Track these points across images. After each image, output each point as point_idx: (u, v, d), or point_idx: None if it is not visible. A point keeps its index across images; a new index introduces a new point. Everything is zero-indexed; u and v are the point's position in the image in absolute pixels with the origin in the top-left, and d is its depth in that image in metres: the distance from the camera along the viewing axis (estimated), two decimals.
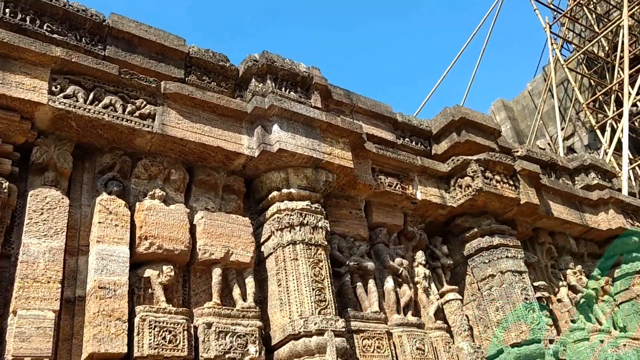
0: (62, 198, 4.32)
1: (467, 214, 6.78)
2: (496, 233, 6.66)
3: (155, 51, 5.34)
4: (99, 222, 4.34)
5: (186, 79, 5.40)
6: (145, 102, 4.89)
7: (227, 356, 4.31)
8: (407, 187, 6.39)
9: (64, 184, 4.48)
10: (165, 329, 4.12)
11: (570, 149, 17.35)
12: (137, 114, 4.79)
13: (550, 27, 16.77)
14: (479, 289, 6.49)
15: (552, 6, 17.26)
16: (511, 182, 6.88)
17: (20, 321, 3.70)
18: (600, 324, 7.31)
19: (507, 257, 6.49)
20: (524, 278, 6.45)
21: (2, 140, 4.21)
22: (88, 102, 4.59)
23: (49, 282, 3.94)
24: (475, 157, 6.69)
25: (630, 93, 12.79)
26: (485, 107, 21.90)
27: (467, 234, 6.71)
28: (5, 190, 4.08)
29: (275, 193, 5.34)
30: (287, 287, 4.87)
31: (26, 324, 3.70)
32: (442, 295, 6.36)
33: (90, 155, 4.80)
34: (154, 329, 4.07)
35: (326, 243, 5.25)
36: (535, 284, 6.86)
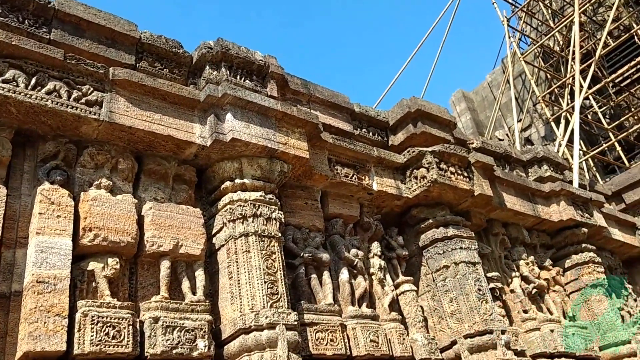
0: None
1: (422, 205, 6.79)
2: (451, 224, 6.69)
3: (104, 36, 5.10)
4: (40, 213, 4.13)
5: (137, 65, 5.19)
6: (92, 89, 4.67)
7: (174, 351, 4.17)
8: (363, 177, 6.35)
9: (2, 172, 4.25)
10: (108, 324, 3.95)
11: (528, 140, 17.72)
12: (83, 100, 4.57)
13: (508, 21, 16.98)
14: (433, 280, 6.52)
15: (510, 0, 17.48)
16: (465, 174, 6.91)
17: None
18: (551, 313, 7.45)
19: (461, 248, 6.53)
20: (477, 269, 6.50)
21: None
22: (30, 87, 4.34)
23: None
24: (430, 149, 6.69)
25: (582, 87, 13.05)
26: (445, 98, 22.16)
27: (422, 225, 6.72)
28: None
29: (228, 183, 5.21)
30: (239, 280, 4.76)
31: None
32: (397, 286, 6.36)
33: (32, 143, 4.56)
34: (96, 324, 3.90)
35: (280, 235, 5.15)
36: (489, 274, 6.93)
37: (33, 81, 4.38)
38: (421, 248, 6.71)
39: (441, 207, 6.81)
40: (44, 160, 4.49)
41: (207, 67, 5.53)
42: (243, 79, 5.68)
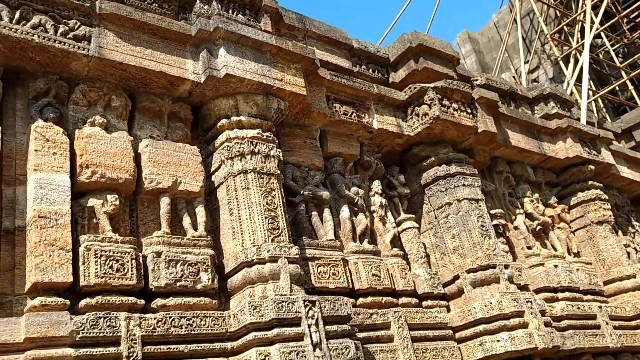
0: None
1: (425, 142, 6.96)
2: (453, 162, 6.88)
3: None
4: (36, 150, 4.31)
5: None
6: (79, 23, 4.76)
7: (178, 284, 4.44)
8: (363, 115, 6.50)
9: None
10: (112, 258, 4.19)
11: (535, 82, 17.74)
12: (70, 35, 4.67)
13: None
14: (435, 217, 6.76)
15: None
16: (469, 111, 7.06)
17: None
18: (556, 250, 7.75)
19: (463, 185, 6.74)
20: (480, 206, 6.73)
21: None
22: (14, 21, 4.43)
23: None
24: (432, 85, 6.82)
25: (593, 23, 13.04)
26: (450, 40, 21.98)
27: (424, 163, 6.92)
28: None
29: (224, 121, 5.37)
30: (239, 216, 4.99)
31: None
32: (398, 223, 6.61)
33: (22, 81, 4.69)
34: (100, 258, 4.14)
35: (279, 172, 5.35)
36: (492, 212, 7.17)
37: (17, 15, 4.45)
38: (423, 186, 6.93)
39: (444, 145, 6.99)
40: (36, 97, 4.64)
41: (198, 1, 5.60)
42: (235, 13, 5.76)
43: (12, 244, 4.12)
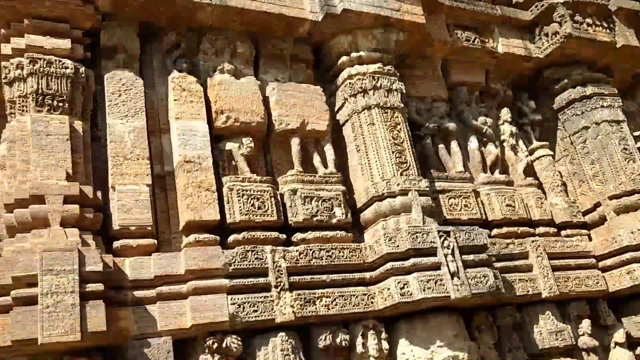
0: (136, 79, 4.70)
1: (556, 64, 6.65)
2: (589, 82, 6.55)
3: None
4: (175, 100, 4.71)
5: None
6: None
7: (314, 219, 4.72)
8: (487, 40, 6.32)
9: (135, 65, 4.83)
10: (253, 197, 4.54)
11: None
12: None
13: None
14: (571, 143, 6.52)
15: None
16: (605, 25, 6.62)
17: (120, 195, 4.23)
18: None
19: (602, 107, 6.41)
20: (622, 128, 6.38)
21: (70, 27, 4.55)
22: None
23: (138, 159, 4.42)
24: (562, 0, 6.43)
25: None
26: None
27: (557, 86, 6.64)
28: (83, 76, 4.48)
29: (344, 58, 5.47)
30: (367, 152, 5.14)
31: (125, 198, 4.23)
32: (531, 152, 6.46)
33: (155, 36, 5.08)
34: (242, 197, 4.50)
35: (402, 106, 5.40)
36: (636, 133, 6.76)
37: None
38: (556, 111, 6.67)
39: (577, 65, 6.64)
40: (169, 50, 5.03)
41: None
42: None
43: (164, 188, 4.60)
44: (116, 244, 4.18)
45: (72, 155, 4.21)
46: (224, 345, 4.06)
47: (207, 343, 4.04)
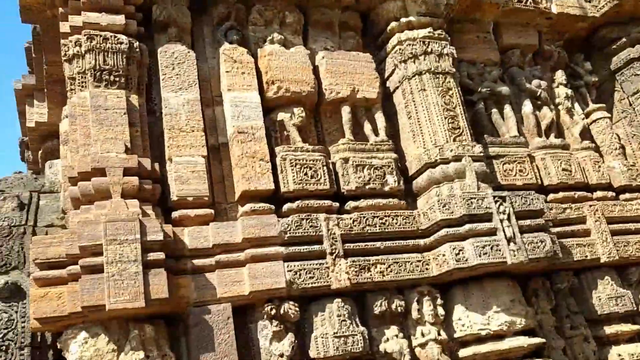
0: (188, 52, 4.74)
1: (612, 23, 6.39)
2: None
3: None
4: (227, 72, 4.73)
5: None
6: None
7: (367, 187, 4.70)
8: (539, 1, 6.09)
9: (187, 38, 4.87)
10: (305, 166, 4.55)
11: None
12: None
13: None
14: (630, 105, 6.27)
15: None
16: None
17: (177, 167, 4.31)
18: None
19: None
20: None
21: (124, 3, 4.60)
22: None
23: (192, 130, 4.48)
24: None
25: None
26: None
27: (614, 46, 6.39)
28: (137, 50, 4.55)
29: (393, 24, 5.38)
30: (418, 119, 5.07)
31: (182, 169, 4.31)
32: (587, 115, 6.24)
33: (205, 9, 5.10)
34: (295, 166, 4.51)
35: (454, 70, 5.29)
36: None
37: None
38: (613, 72, 6.42)
39: (636, 23, 6.37)
40: (219, 23, 5.04)
41: None
42: None
43: (219, 158, 4.66)
44: (174, 214, 4.27)
45: (129, 129, 4.29)
46: (281, 311, 4.13)
47: (266, 309, 4.12)
